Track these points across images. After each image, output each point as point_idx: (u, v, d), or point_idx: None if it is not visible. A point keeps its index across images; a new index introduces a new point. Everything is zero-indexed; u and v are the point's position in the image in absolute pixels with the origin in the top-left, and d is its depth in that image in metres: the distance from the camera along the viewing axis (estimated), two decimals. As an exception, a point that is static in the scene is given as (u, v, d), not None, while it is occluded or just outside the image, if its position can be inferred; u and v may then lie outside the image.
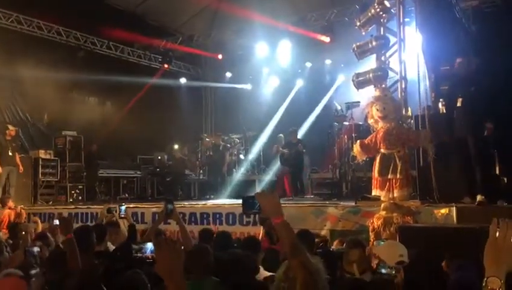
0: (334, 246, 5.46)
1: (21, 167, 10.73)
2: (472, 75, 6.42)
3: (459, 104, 6.38)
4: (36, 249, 4.66)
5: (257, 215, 5.29)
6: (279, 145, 11.62)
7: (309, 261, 2.18)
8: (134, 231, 5.63)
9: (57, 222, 4.92)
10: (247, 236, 6.03)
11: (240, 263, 3.40)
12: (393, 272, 2.98)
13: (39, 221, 8.72)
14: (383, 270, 2.99)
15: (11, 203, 9.57)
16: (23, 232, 5.69)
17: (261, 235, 5.49)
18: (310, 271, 2.13)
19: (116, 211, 6.10)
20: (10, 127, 10.87)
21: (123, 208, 6.11)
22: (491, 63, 7.41)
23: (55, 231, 5.26)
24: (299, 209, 7.44)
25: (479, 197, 6.05)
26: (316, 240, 5.19)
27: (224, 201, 10.08)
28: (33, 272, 3.31)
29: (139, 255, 4.25)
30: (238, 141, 13.21)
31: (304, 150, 11.31)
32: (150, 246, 4.31)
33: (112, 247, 4.99)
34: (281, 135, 11.93)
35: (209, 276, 3.41)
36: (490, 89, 6.41)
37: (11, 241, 5.60)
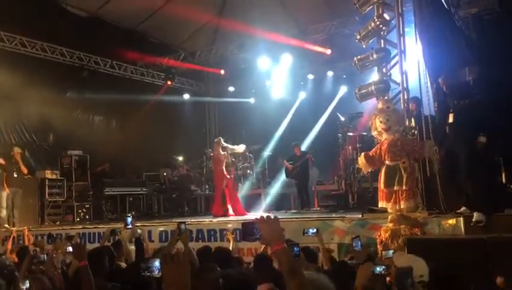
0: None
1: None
2: (473, 84, 6.40)
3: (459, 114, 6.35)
4: (43, 256, 4.67)
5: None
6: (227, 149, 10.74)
7: (307, 282, 2.17)
8: (140, 245, 5.52)
9: (70, 249, 4.86)
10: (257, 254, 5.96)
11: (247, 282, 3.39)
12: (386, 270, 3.00)
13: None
14: (378, 269, 3.02)
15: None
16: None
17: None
18: None
19: (119, 233, 5.99)
20: (16, 148, 10.95)
21: (129, 219, 5.77)
22: (492, 70, 7.39)
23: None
24: (305, 223, 7.37)
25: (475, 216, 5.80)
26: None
27: (231, 217, 10.04)
28: None
29: (147, 273, 4.23)
30: (246, 155, 13.11)
31: (313, 159, 11.33)
32: (157, 263, 4.28)
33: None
34: (219, 137, 10.89)
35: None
36: (492, 96, 6.38)
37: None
